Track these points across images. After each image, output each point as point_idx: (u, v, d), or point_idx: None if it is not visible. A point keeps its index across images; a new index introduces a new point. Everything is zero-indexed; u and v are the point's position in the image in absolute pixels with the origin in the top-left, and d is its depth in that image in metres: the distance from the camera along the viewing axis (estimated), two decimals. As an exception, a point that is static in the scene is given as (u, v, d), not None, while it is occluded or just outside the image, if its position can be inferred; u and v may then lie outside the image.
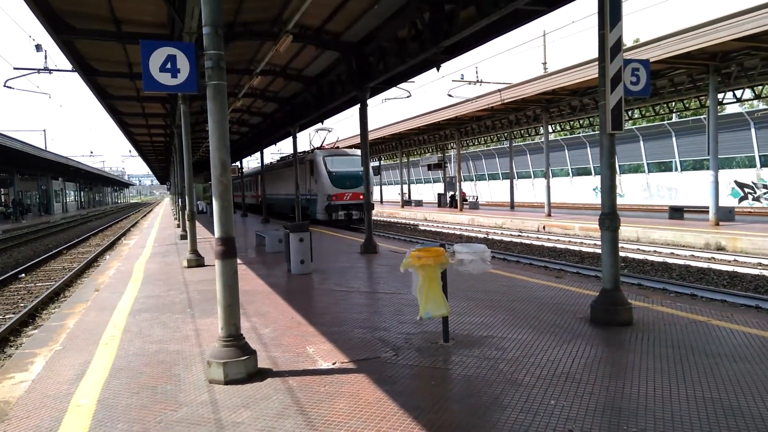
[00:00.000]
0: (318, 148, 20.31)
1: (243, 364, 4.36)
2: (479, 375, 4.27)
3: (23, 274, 14.22)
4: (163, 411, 3.79)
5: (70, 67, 12.67)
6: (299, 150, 22.41)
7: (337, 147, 29.10)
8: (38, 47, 18.21)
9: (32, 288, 12.34)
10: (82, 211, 64.40)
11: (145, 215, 48.06)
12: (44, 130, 55.32)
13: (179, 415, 3.71)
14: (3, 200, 44.19)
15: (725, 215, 17.73)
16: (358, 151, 25.11)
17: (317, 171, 23.59)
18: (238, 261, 5.39)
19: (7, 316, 9.57)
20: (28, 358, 5.56)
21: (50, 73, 18.49)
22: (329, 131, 27.54)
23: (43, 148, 44.89)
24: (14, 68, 18.47)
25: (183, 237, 16.66)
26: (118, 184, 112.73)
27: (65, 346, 5.61)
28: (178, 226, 21.19)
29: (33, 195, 51.70)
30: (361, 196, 22.23)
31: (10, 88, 20.09)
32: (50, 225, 35.43)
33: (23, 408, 3.98)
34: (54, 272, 14.80)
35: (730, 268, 11.78)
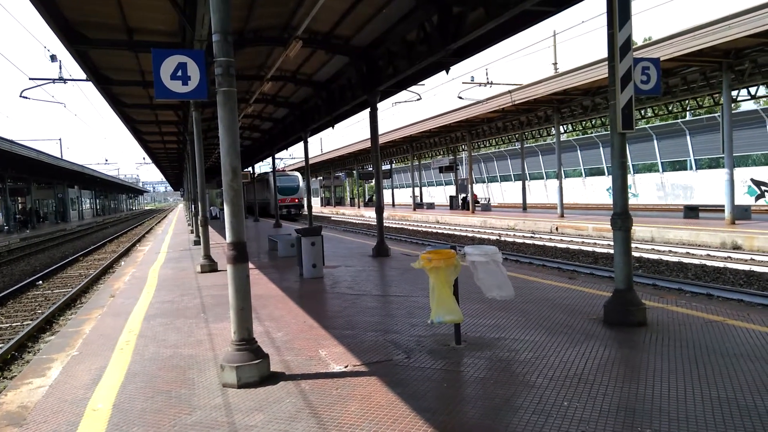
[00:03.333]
0: (273, 171, 30.53)
1: (256, 368, 4.39)
2: (491, 377, 4.26)
3: (40, 281, 14.44)
4: (178, 415, 3.82)
5: (84, 76, 12.86)
6: (271, 168, 34.22)
7: (284, 170, 45.86)
8: (53, 57, 18.48)
9: (49, 294, 12.51)
10: (97, 218, 65.19)
11: (159, 221, 48.49)
12: (60, 139, 56.21)
13: (193, 418, 3.75)
14: (20, 208, 44.77)
15: (741, 214, 17.51)
16: (295, 173, 43.78)
17: (269, 185, 38.64)
18: (251, 266, 5.44)
19: (25, 323, 9.73)
20: (45, 363, 5.64)
21: (65, 82, 18.76)
22: (282, 159, 48.20)
23: (59, 156, 45.58)
24: (30, 78, 18.78)
25: (196, 242, 16.78)
26: (133, 191, 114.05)
27: (82, 351, 5.69)
28: (192, 232, 21.38)
29: (50, 203, 52.37)
30: (297, 200, 40.82)
31: (26, 98, 20.41)
32: (66, 232, 35.90)
33: (41, 413, 4.04)
34: (70, 279, 15.00)
35: (746, 267, 11.63)
